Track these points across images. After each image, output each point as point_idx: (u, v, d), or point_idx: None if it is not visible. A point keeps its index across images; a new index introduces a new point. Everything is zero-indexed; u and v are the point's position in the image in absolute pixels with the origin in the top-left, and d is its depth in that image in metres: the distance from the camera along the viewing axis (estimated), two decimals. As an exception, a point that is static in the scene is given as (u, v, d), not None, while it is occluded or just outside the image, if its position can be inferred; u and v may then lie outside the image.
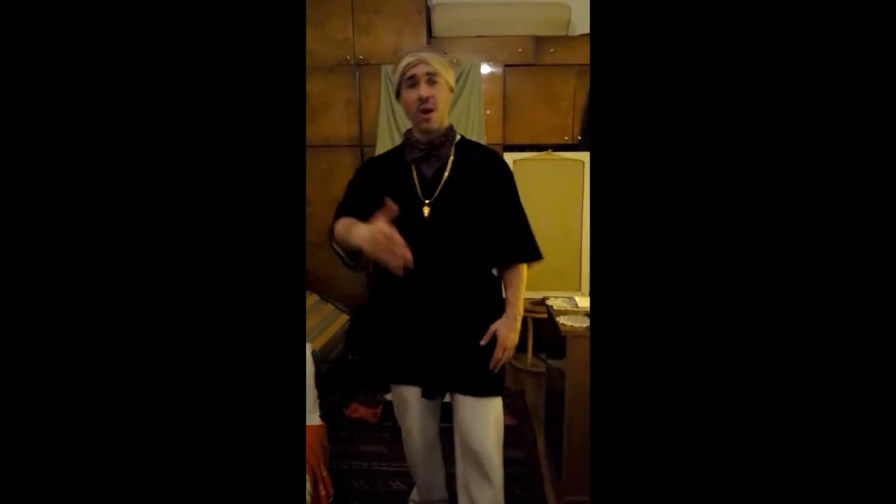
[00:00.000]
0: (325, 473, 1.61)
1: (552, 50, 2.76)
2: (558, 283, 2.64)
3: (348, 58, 2.83)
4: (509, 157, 2.66)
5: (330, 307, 2.78)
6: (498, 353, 1.26)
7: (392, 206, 1.08)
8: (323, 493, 1.56)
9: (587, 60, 2.66)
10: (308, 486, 1.46)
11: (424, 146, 1.26)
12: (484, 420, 1.32)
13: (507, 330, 1.27)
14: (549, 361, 1.94)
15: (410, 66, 1.20)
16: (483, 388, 1.30)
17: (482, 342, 1.26)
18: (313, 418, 1.69)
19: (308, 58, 2.75)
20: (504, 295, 1.32)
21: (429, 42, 2.83)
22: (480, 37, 2.80)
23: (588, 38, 2.69)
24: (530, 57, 2.78)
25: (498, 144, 2.87)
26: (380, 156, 1.42)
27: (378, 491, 1.84)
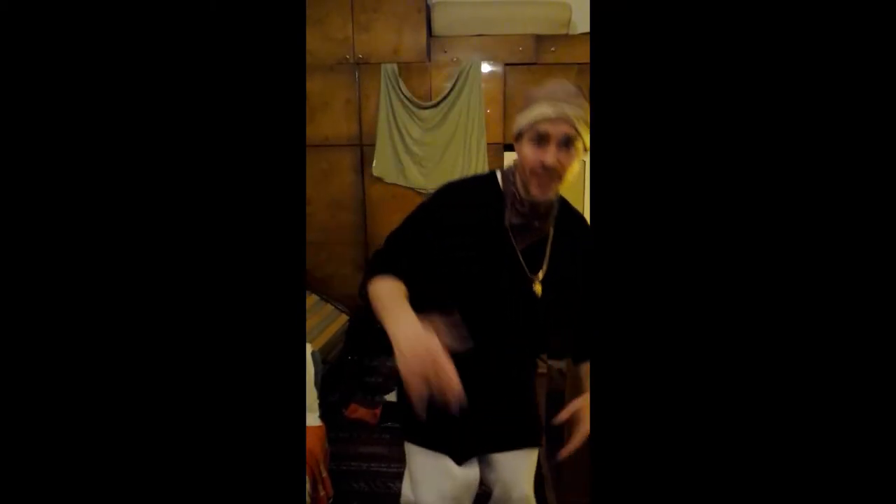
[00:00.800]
0: (324, 474, 1.61)
1: (553, 49, 2.76)
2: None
3: (348, 57, 2.82)
4: (509, 157, 2.66)
5: (330, 307, 2.78)
6: (577, 440, 0.93)
7: (457, 321, 0.85)
8: (322, 493, 1.56)
9: (588, 59, 2.66)
10: (308, 486, 1.45)
11: (526, 213, 1.00)
12: (529, 468, 1.17)
13: (587, 411, 0.97)
14: (550, 362, 1.94)
15: (545, 120, 0.92)
16: (529, 439, 1.15)
17: (559, 420, 0.97)
18: (313, 419, 1.69)
19: (308, 57, 2.75)
20: (578, 371, 1.12)
21: (428, 41, 2.83)
22: (481, 35, 2.80)
23: (588, 37, 2.68)
24: (531, 56, 2.78)
25: (498, 144, 2.88)
26: (464, 189, 1.07)
27: (378, 492, 1.84)
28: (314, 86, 2.85)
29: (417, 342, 0.80)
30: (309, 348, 1.83)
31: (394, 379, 2.64)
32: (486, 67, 2.80)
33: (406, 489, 1.21)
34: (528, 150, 0.95)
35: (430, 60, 2.84)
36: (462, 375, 0.87)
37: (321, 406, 1.79)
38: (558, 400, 1.71)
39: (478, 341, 0.94)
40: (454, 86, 2.79)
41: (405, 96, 2.80)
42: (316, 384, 1.78)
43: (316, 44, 2.79)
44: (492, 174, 1.09)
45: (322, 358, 2.12)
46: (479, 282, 0.99)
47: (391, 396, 2.44)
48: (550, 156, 0.92)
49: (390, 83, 2.80)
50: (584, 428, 0.94)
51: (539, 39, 2.77)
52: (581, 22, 2.92)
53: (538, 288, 1.01)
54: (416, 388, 0.78)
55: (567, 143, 0.93)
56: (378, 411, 2.32)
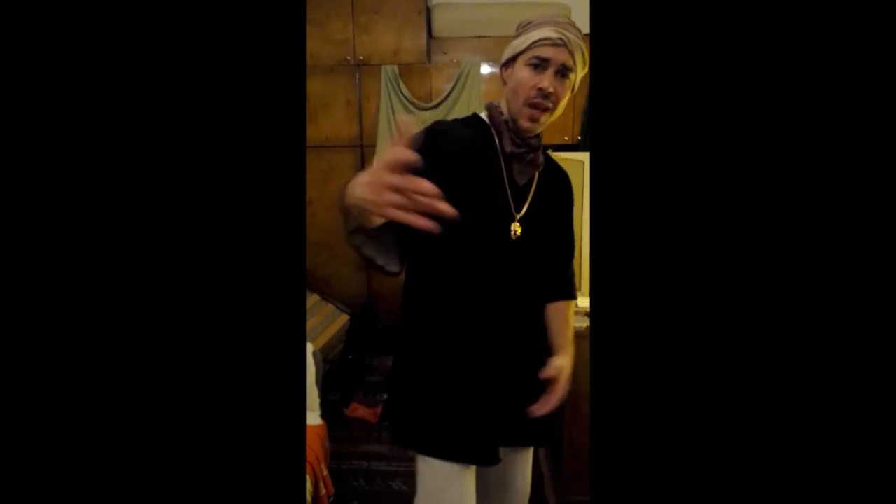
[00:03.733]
0: (325, 473, 1.61)
1: (552, 50, 2.76)
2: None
3: (348, 58, 2.83)
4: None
5: (330, 307, 2.78)
6: (555, 397, 0.96)
7: (405, 127, 0.60)
8: (323, 492, 1.57)
9: (587, 60, 2.65)
10: (308, 485, 1.46)
11: (522, 143, 0.94)
12: (527, 463, 1.11)
13: (570, 370, 0.99)
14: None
15: (546, 42, 0.88)
16: (543, 438, 1.06)
17: (545, 375, 0.97)
18: (314, 418, 1.69)
19: (308, 58, 2.75)
20: (556, 331, 1.07)
21: (428, 42, 2.83)
22: (481, 37, 2.80)
23: (588, 39, 2.68)
24: (530, 57, 2.77)
25: (498, 144, 2.87)
26: (451, 126, 0.97)
27: (378, 490, 1.85)
28: (315, 87, 2.85)
29: (374, 170, 0.62)
30: (310, 348, 1.83)
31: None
32: (486, 69, 2.80)
33: None
34: (525, 74, 0.89)
35: (430, 62, 2.84)
36: (474, 365, 0.93)
37: (322, 405, 1.80)
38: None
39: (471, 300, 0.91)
40: (454, 87, 2.79)
41: (405, 97, 2.81)
42: (317, 383, 1.79)
43: (316, 45, 2.79)
44: (475, 115, 1.01)
45: (323, 357, 2.12)
46: (469, 211, 0.80)
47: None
48: (547, 80, 0.87)
49: (391, 84, 2.80)
50: (561, 388, 0.94)
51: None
52: (580, 23, 2.91)
53: (516, 228, 0.94)
54: (400, 215, 0.59)
55: (564, 72, 0.89)
56: (378, 410, 2.31)
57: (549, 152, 1.10)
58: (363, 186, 0.64)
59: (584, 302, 1.86)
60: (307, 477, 1.45)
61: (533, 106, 0.89)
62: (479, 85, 2.77)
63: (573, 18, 3.12)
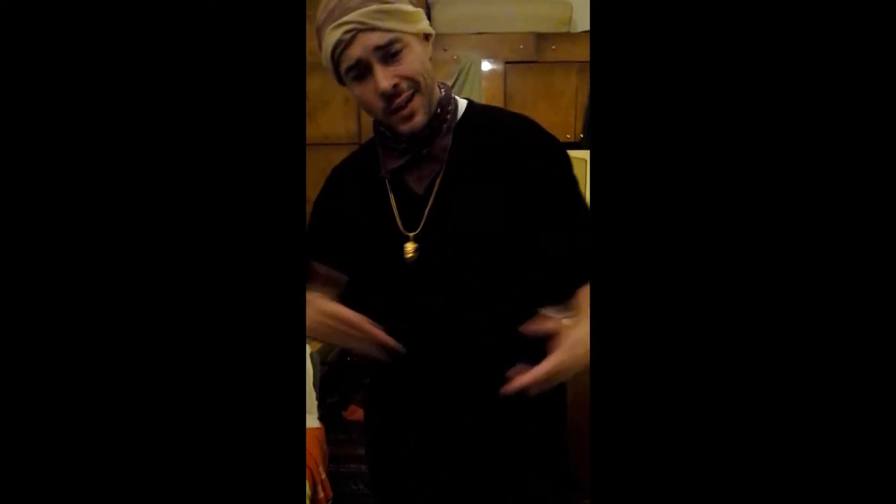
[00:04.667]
0: (323, 476, 1.61)
1: (553, 47, 2.76)
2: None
3: (348, 56, 2.83)
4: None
5: (329, 307, 2.78)
6: (541, 370, 0.67)
7: (331, 274, 0.72)
8: (322, 495, 1.56)
9: (588, 58, 2.66)
10: (307, 488, 1.45)
11: (406, 146, 0.78)
12: None
13: (580, 340, 0.68)
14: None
15: (343, 44, 0.70)
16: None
17: (532, 328, 0.71)
18: (312, 420, 1.69)
19: (308, 55, 2.74)
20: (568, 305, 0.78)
21: (428, 40, 2.82)
22: (481, 33, 2.79)
23: (589, 36, 2.68)
24: (531, 54, 2.77)
25: (498, 143, 2.87)
26: (349, 161, 0.91)
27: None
28: (314, 84, 2.83)
29: (319, 320, 0.71)
30: (308, 350, 1.83)
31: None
32: (486, 65, 2.80)
33: None
34: (357, 90, 0.73)
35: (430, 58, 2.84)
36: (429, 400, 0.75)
37: (320, 408, 1.79)
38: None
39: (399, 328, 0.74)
40: (454, 84, 2.78)
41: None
42: (315, 386, 1.79)
43: (315, 43, 2.79)
44: (369, 141, 0.87)
45: (321, 359, 2.12)
46: (362, 253, 0.79)
47: None
48: (382, 80, 0.70)
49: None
50: (558, 357, 0.66)
51: (540, 37, 2.76)
52: (582, 20, 2.91)
53: (409, 248, 0.75)
54: (361, 348, 0.71)
55: (389, 52, 0.70)
56: (378, 411, 2.32)
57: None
58: (314, 331, 0.73)
59: (584, 301, 1.85)
60: (305, 480, 1.45)
61: (394, 111, 0.73)
62: (479, 81, 2.76)
63: (573, 17, 3.07)
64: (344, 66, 0.72)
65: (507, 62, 2.79)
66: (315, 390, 1.77)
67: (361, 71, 0.71)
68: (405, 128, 0.75)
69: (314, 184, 2.93)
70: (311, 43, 2.44)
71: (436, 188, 0.77)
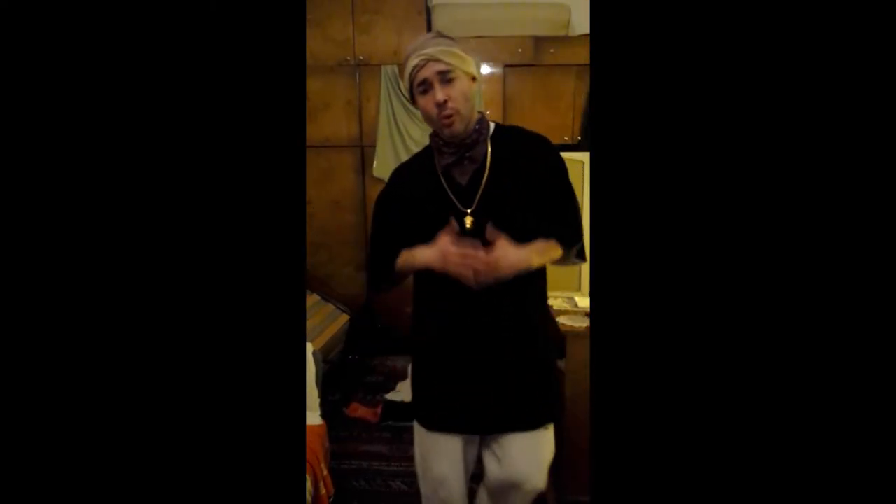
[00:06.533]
0: (325, 473, 1.61)
1: (552, 50, 2.76)
2: (558, 282, 2.64)
3: (348, 58, 2.83)
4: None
5: (330, 307, 2.78)
6: (492, 258, 1.02)
7: (453, 225, 1.04)
8: (323, 492, 1.57)
9: (587, 61, 2.66)
10: (308, 485, 1.46)
11: (454, 150, 1.11)
12: (540, 456, 1.18)
13: (519, 260, 1.04)
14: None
15: (418, 68, 1.05)
16: (538, 418, 1.16)
17: (490, 232, 1.06)
18: (314, 418, 1.69)
19: (308, 58, 2.75)
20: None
21: (429, 42, 2.82)
22: (480, 37, 2.80)
23: (588, 39, 2.69)
24: (530, 57, 2.78)
25: (498, 144, 2.87)
26: (405, 164, 1.25)
27: (378, 490, 1.85)
28: (315, 87, 2.85)
29: (441, 252, 1.03)
30: (310, 348, 1.83)
31: (395, 377, 2.64)
32: (485, 69, 2.80)
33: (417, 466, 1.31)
34: (422, 101, 1.09)
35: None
36: (459, 345, 1.12)
37: (322, 405, 1.80)
38: (558, 399, 1.71)
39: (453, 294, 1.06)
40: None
41: (405, 97, 2.81)
42: (317, 383, 1.79)
43: (317, 45, 2.79)
44: (427, 147, 1.22)
45: (323, 357, 2.13)
46: (427, 226, 1.10)
47: (392, 395, 2.45)
48: (438, 94, 1.04)
49: (391, 84, 2.81)
50: (496, 257, 1.02)
51: (538, 41, 2.77)
52: (580, 23, 2.92)
53: (468, 221, 1.11)
54: (465, 274, 1.01)
55: (445, 78, 1.05)
56: (379, 410, 2.32)
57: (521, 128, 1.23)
58: (435, 260, 1.05)
59: (584, 302, 1.86)
60: (307, 477, 1.45)
61: (442, 119, 1.06)
62: (479, 85, 2.76)
63: (571, 20, 3.07)
64: (416, 83, 1.07)
65: (506, 65, 2.79)
66: (317, 388, 1.77)
67: (426, 88, 1.07)
68: (447, 132, 1.08)
69: (316, 184, 2.91)
70: (311, 46, 2.42)
71: (484, 180, 1.12)
